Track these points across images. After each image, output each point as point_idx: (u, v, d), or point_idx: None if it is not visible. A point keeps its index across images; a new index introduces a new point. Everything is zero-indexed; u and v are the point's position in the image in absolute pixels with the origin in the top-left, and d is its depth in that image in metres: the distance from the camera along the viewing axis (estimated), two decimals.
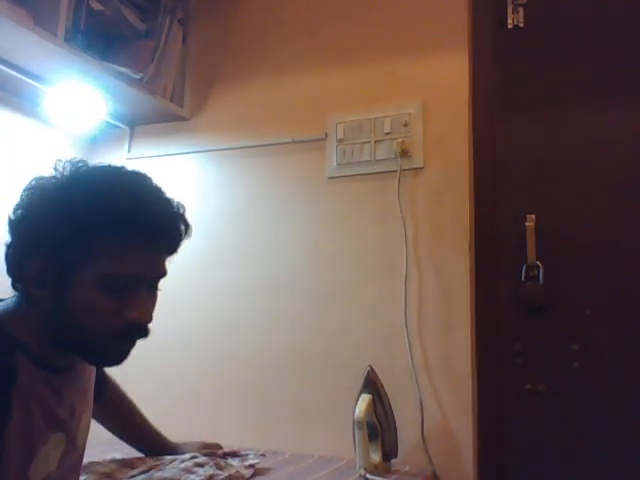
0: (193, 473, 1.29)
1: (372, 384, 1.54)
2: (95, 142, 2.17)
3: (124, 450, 1.44)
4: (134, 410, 1.42)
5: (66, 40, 1.62)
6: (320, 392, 1.78)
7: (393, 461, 1.55)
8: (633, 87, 1.69)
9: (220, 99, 2.07)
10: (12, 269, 0.92)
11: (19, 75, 1.73)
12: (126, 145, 2.16)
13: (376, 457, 1.51)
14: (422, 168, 1.77)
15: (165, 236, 0.93)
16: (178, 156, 2.09)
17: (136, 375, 1.47)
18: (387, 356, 1.70)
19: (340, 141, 1.86)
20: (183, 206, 0.97)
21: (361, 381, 1.55)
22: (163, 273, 0.96)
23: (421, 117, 1.78)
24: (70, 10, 1.64)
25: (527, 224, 1.68)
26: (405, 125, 1.79)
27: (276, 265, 1.90)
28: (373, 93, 1.86)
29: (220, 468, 1.35)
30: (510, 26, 1.80)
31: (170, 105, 2.03)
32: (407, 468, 1.59)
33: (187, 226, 0.97)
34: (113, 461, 1.36)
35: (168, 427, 1.50)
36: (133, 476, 1.29)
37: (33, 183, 0.92)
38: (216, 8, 2.11)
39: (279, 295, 1.88)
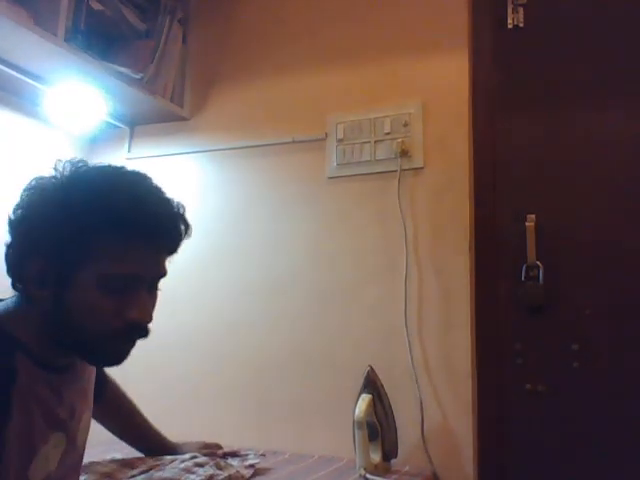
0: (193, 473, 1.29)
1: (372, 384, 1.54)
2: (95, 142, 2.17)
3: (124, 450, 1.44)
4: (134, 410, 1.42)
5: (66, 40, 1.62)
6: (320, 392, 1.78)
7: (393, 461, 1.55)
8: (633, 87, 1.69)
9: (220, 99, 2.07)
10: (12, 269, 0.92)
11: (19, 75, 1.73)
12: (126, 145, 2.16)
13: (376, 457, 1.51)
14: (422, 168, 1.77)
15: (165, 236, 0.93)
16: (178, 156, 2.09)
17: (136, 375, 1.47)
18: (387, 356, 1.70)
19: (340, 141, 1.86)
20: (183, 206, 0.97)
21: (361, 381, 1.55)
22: (163, 273, 0.96)
23: (421, 117, 1.78)
24: (70, 10, 1.64)
25: (527, 224, 1.68)
26: (405, 125, 1.79)
27: (276, 265, 1.90)
28: (373, 93, 1.86)
29: (220, 468, 1.35)
30: (510, 26, 1.80)
31: (170, 105, 2.03)
32: (407, 468, 1.59)
33: (187, 226, 0.97)
34: (113, 461, 1.36)
35: (168, 427, 1.50)
36: (133, 476, 1.29)
37: (33, 183, 0.92)
38: (216, 8, 2.11)
39: (279, 295, 1.88)
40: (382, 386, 1.55)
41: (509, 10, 1.80)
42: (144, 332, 0.93)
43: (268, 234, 1.92)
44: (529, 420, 1.66)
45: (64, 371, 0.97)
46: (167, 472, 1.29)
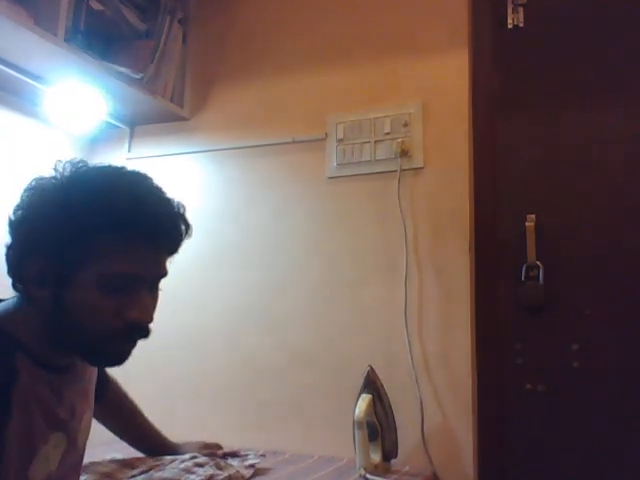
0: (193, 473, 1.29)
1: (372, 384, 1.54)
2: (95, 142, 2.17)
3: (124, 450, 1.44)
4: (135, 410, 1.42)
5: (66, 40, 1.62)
6: (320, 392, 1.78)
7: (393, 461, 1.55)
8: (633, 87, 1.69)
9: (220, 99, 2.07)
10: (12, 269, 0.92)
11: (19, 75, 1.73)
12: (126, 145, 2.16)
13: (376, 457, 1.51)
14: (422, 168, 1.77)
15: (165, 236, 0.93)
16: (178, 156, 2.09)
17: (137, 375, 1.47)
18: (387, 356, 1.70)
19: (340, 141, 1.86)
20: (183, 206, 0.97)
21: (361, 381, 1.55)
22: (164, 273, 0.96)
23: (421, 117, 1.78)
24: (70, 10, 1.64)
25: (527, 224, 1.68)
26: (405, 125, 1.79)
27: (276, 265, 1.90)
28: (373, 93, 1.86)
29: (220, 468, 1.35)
30: (510, 26, 1.80)
31: (170, 105, 2.03)
32: (407, 468, 1.59)
33: (187, 226, 0.97)
34: (113, 461, 1.36)
35: (168, 427, 1.50)
36: (133, 476, 1.29)
37: (33, 184, 0.92)
38: (216, 8, 2.11)
39: (279, 295, 1.88)
40: (382, 386, 1.55)
41: (509, 10, 1.80)
42: (145, 332, 0.93)
43: (268, 234, 1.92)
44: (529, 420, 1.67)
45: (65, 371, 0.97)
46: (167, 472, 1.29)
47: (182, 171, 2.07)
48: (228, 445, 1.59)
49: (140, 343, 0.94)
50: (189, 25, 2.10)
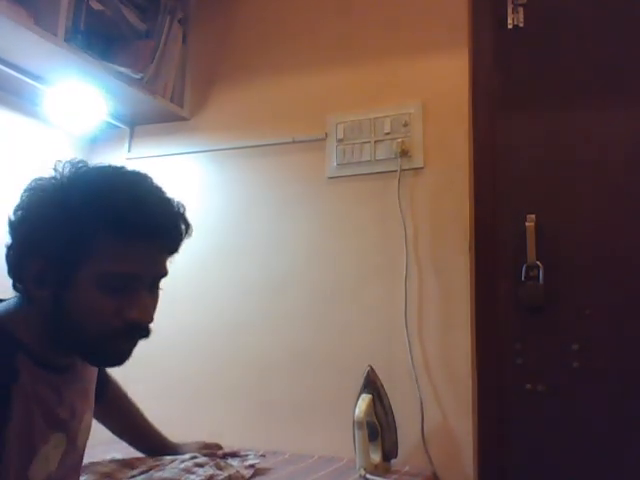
0: (193, 473, 1.29)
1: (372, 384, 1.54)
2: (95, 142, 2.17)
3: (124, 450, 1.44)
4: (135, 410, 1.42)
5: (66, 40, 1.62)
6: (320, 392, 1.78)
7: (393, 461, 1.55)
8: (633, 87, 1.69)
9: (220, 99, 2.07)
10: (12, 270, 0.92)
11: (19, 75, 1.73)
12: (126, 145, 2.16)
13: (376, 457, 1.51)
14: (422, 168, 1.77)
15: (165, 236, 0.93)
16: (178, 156, 2.09)
17: (137, 375, 1.47)
18: (387, 356, 1.70)
19: (340, 141, 1.86)
20: (183, 206, 0.97)
21: (361, 381, 1.55)
22: (164, 273, 0.95)
23: (421, 117, 1.78)
24: (70, 10, 1.64)
25: (527, 224, 1.68)
26: (405, 125, 1.79)
27: (276, 265, 1.90)
28: (373, 93, 1.86)
29: (220, 468, 1.35)
30: (510, 26, 1.80)
31: (170, 105, 2.03)
32: (407, 468, 1.59)
33: (187, 226, 0.97)
34: (113, 461, 1.36)
35: (168, 427, 1.50)
36: (133, 476, 1.29)
37: (33, 184, 0.92)
38: (216, 8, 2.11)
39: (279, 295, 1.88)
40: (382, 386, 1.55)
41: (509, 10, 1.80)
42: (145, 332, 0.93)
43: (268, 234, 1.92)
44: (529, 420, 1.66)
45: (65, 371, 0.97)
46: (167, 472, 1.29)
47: (182, 171, 2.07)
48: (228, 445, 1.59)
49: (140, 343, 0.94)
50: (189, 25, 2.10)
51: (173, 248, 0.96)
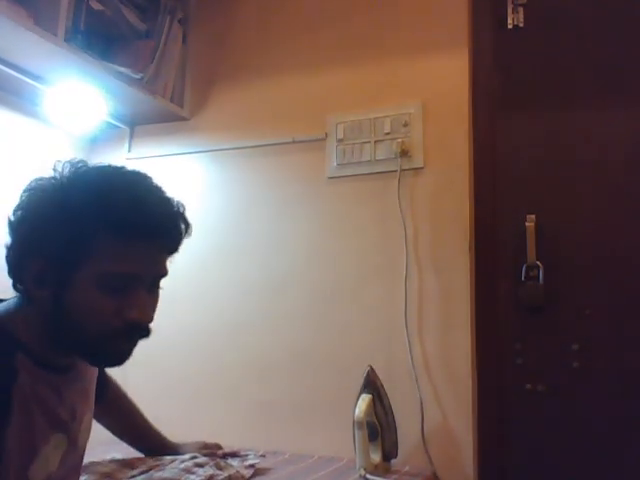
0: (193, 473, 1.29)
1: (372, 384, 1.54)
2: (95, 142, 2.17)
3: (124, 450, 1.44)
4: (134, 410, 1.42)
5: (66, 40, 1.62)
6: (320, 392, 1.78)
7: (393, 461, 1.55)
8: (633, 87, 1.69)
9: (220, 99, 2.07)
10: (12, 270, 0.92)
11: (19, 75, 1.72)
12: (126, 145, 2.15)
13: (376, 457, 1.51)
14: (422, 168, 1.77)
15: (165, 235, 0.93)
16: (178, 156, 2.09)
17: (137, 375, 1.47)
18: (387, 356, 1.70)
19: (340, 141, 1.86)
20: (183, 205, 0.97)
21: (361, 381, 1.55)
22: (164, 272, 0.95)
23: (421, 117, 1.78)
24: (70, 10, 1.64)
25: (527, 224, 1.68)
26: (405, 125, 1.79)
27: (276, 265, 1.90)
28: (373, 93, 1.86)
29: (220, 468, 1.35)
30: (510, 26, 1.80)
31: (170, 105, 2.03)
32: (407, 468, 1.59)
33: (187, 225, 0.97)
34: (113, 461, 1.36)
35: (168, 427, 1.50)
36: (133, 476, 1.29)
37: (33, 184, 0.92)
38: (216, 8, 2.11)
39: (279, 295, 1.88)
40: (382, 386, 1.55)
41: (509, 10, 1.80)
42: (144, 332, 0.93)
43: (268, 234, 1.92)
44: (529, 420, 1.66)
45: (65, 372, 0.97)
46: (167, 472, 1.29)
47: (182, 171, 2.07)
48: (228, 445, 1.58)
49: (140, 343, 0.94)
50: (189, 25, 2.10)
51: (173, 248, 0.96)
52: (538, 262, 1.67)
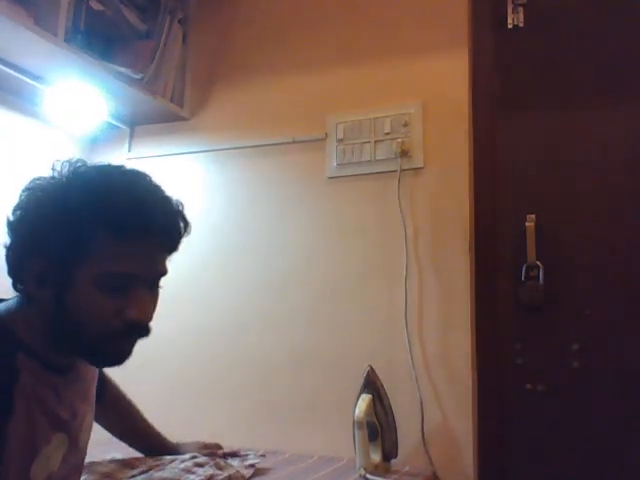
0: (193, 473, 1.29)
1: (372, 384, 1.54)
2: (95, 142, 2.17)
3: (124, 450, 1.44)
4: (134, 410, 1.42)
5: (66, 40, 1.62)
6: (320, 392, 1.78)
7: (393, 461, 1.55)
8: (633, 87, 1.69)
9: (220, 99, 2.07)
10: (12, 270, 0.92)
11: (19, 75, 1.73)
12: (126, 145, 2.16)
13: (376, 457, 1.51)
14: (422, 168, 1.77)
15: (165, 234, 0.93)
16: (178, 156, 2.09)
17: (137, 376, 1.47)
18: (387, 356, 1.70)
19: (340, 141, 1.86)
20: (182, 204, 0.97)
21: (361, 381, 1.55)
22: (164, 272, 0.95)
23: (421, 117, 1.78)
24: (70, 10, 1.64)
25: (527, 224, 1.68)
26: (405, 125, 1.79)
27: (275, 265, 1.90)
28: (373, 93, 1.86)
29: (220, 468, 1.35)
30: (510, 26, 1.80)
31: (170, 105, 2.03)
32: (407, 468, 1.59)
33: (186, 224, 0.97)
34: (113, 461, 1.35)
35: (169, 428, 1.49)
36: (133, 476, 1.29)
37: (32, 184, 0.92)
38: (216, 8, 2.11)
39: (278, 295, 1.88)
40: (382, 386, 1.55)
41: (509, 10, 1.80)
42: (144, 332, 0.93)
43: (268, 234, 1.92)
44: (529, 420, 1.66)
45: (65, 372, 0.97)
46: (167, 472, 1.28)
47: (182, 171, 2.07)
48: (228, 445, 1.58)
49: (141, 343, 0.94)
50: (189, 25, 2.10)
51: (172, 247, 0.96)
52: (538, 262, 1.67)
